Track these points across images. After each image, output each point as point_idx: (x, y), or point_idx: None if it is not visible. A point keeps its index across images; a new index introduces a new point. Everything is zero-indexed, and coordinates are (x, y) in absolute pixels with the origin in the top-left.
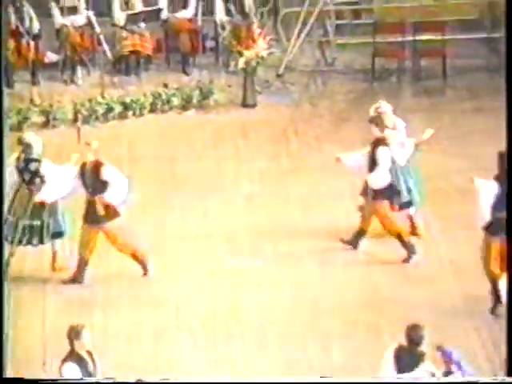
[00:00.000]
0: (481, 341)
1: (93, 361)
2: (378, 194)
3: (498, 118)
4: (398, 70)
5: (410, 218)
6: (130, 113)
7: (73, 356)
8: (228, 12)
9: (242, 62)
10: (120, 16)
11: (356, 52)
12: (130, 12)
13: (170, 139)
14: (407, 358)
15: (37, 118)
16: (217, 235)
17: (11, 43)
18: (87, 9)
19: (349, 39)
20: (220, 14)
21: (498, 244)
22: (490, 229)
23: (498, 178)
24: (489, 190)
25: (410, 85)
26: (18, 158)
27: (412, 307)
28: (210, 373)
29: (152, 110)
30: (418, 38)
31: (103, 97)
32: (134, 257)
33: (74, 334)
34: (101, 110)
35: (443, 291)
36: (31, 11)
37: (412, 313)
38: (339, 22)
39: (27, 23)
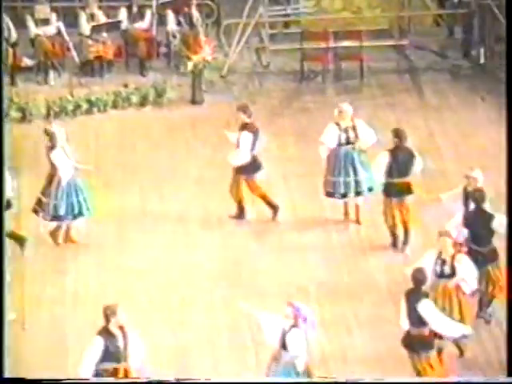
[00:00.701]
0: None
1: (124, 335)
2: (238, 170)
3: (405, 110)
4: (323, 72)
5: (346, 205)
6: (95, 109)
7: (103, 331)
8: (178, 23)
9: (190, 65)
10: (86, 27)
11: (287, 57)
12: (94, 23)
13: (129, 132)
14: (413, 296)
15: (15, 114)
16: (171, 213)
17: None
18: (58, 21)
19: (281, 46)
20: (171, 25)
21: (390, 202)
22: (385, 190)
23: (390, 150)
24: (382, 160)
25: (332, 84)
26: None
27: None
28: (164, 330)
29: (114, 107)
30: (338, 44)
31: (72, 95)
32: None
33: (110, 311)
34: (70, 107)
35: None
36: (9, 23)
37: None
38: (272, 31)
39: (6, 33)
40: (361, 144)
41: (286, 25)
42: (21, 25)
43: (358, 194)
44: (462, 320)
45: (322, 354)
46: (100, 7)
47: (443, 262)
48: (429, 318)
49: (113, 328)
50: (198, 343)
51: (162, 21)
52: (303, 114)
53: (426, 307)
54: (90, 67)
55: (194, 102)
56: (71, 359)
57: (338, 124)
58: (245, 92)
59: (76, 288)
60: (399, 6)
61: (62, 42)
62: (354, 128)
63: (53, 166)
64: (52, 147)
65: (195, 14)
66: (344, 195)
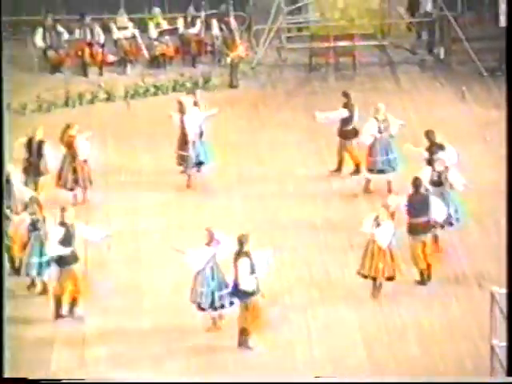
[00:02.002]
0: None
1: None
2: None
3: (386, 93)
4: (326, 65)
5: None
6: (160, 92)
7: (243, 254)
8: (220, 29)
9: (229, 60)
10: (153, 32)
11: (299, 53)
12: (159, 29)
13: None
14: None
15: (103, 96)
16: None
17: (87, 50)
18: (133, 28)
19: (295, 45)
20: (215, 31)
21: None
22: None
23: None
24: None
25: (333, 74)
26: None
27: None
28: None
29: (174, 90)
30: (337, 44)
31: (143, 82)
32: None
33: (244, 239)
34: (141, 91)
35: None
36: (100, 30)
37: None
38: (289, 34)
39: (96, 37)
40: (392, 131)
41: (299, 30)
42: (107, 31)
43: (391, 169)
44: (392, 263)
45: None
46: (164, 18)
47: (378, 224)
48: (434, 208)
49: (248, 250)
50: None
51: (208, 27)
52: (312, 96)
53: (434, 200)
54: (156, 61)
55: (231, 86)
56: None
57: (376, 118)
58: (268, 79)
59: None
60: (381, 16)
61: (136, 43)
62: (386, 120)
63: (183, 127)
64: (183, 113)
65: (232, 22)
66: (381, 171)
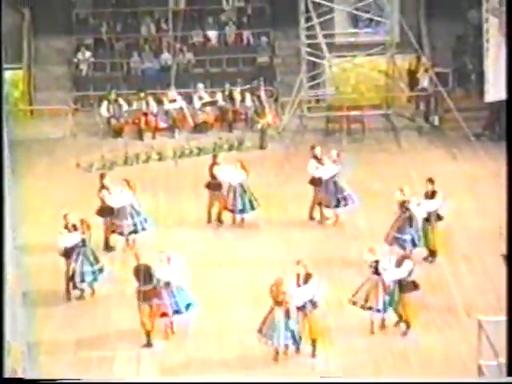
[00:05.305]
0: None
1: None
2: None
3: (390, 153)
4: (340, 130)
5: None
6: (202, 153)
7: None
8: (252, 101)
9: (259, 126)
10: (197, 104)
11: (318, 120)
12: (202, 101)
13: None
14: None
15: (155, 156)
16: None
17: (143, 119)
18: (181, 100)
19: (314, 114)
20: (248, 102)
21: None
22: None
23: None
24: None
25: (345, 137)
26: None
27: None
28: None
29: (213, 151)
30: (349, 113)
31: (188, 145)
32: None
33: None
34: (187, 152)
35: None
36: (153, 102)
37: None
38: (309, 105)
39: (151, 108)
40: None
41: (318, 101)
42: (159, 103)
43: None
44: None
45: None
46: (205, 92)
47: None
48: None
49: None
50: None
51: (242, 100)
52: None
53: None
54: (199, 128)
55: (261, 147)
56: None
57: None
58: (292, 142)
59: None
60: (386, 90)
61: (183, 113)
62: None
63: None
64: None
65: (263, 95)
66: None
